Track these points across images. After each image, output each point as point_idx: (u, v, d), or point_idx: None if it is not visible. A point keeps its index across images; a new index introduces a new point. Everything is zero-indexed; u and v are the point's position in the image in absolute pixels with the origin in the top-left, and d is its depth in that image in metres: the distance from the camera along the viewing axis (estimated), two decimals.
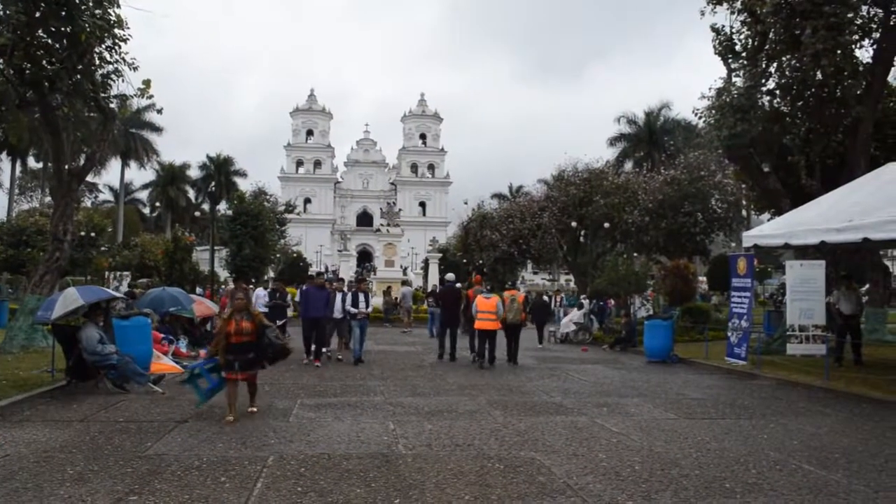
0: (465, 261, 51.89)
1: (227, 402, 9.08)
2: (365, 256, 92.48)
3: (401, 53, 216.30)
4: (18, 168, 60.49)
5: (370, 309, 16.98)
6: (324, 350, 16.04)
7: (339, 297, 15.96)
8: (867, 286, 22.60)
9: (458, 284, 19.28)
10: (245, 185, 63.91)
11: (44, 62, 14.63)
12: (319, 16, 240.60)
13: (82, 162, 18.17)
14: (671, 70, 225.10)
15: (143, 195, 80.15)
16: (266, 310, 16.73)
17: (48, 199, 53.86)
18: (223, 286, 32.88)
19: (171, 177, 73.35)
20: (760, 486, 6.19)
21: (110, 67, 15.66)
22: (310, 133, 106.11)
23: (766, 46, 17.86)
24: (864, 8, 17.08)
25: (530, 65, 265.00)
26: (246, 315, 9.18)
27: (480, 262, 47.51)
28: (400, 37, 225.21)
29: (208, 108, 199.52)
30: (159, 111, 22.53)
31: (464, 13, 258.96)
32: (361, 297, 16.01)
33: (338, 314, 15.91)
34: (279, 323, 16.08)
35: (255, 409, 9.40)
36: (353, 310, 15.73)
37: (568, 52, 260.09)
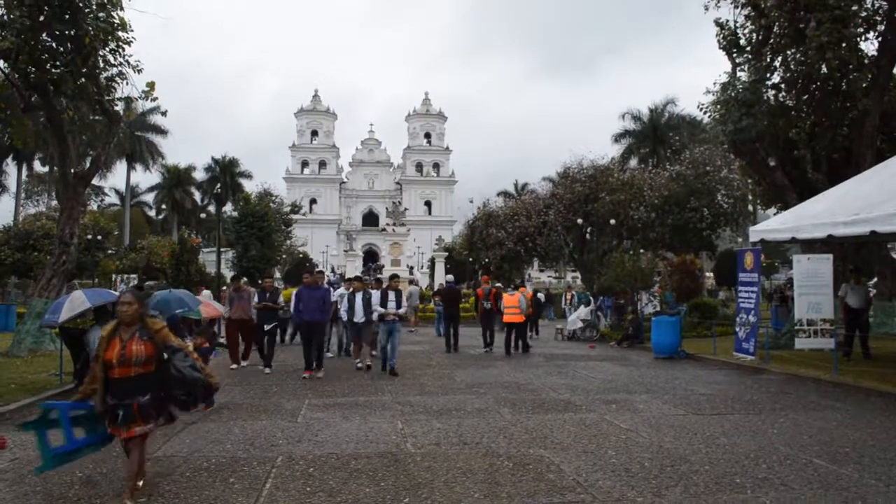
0: (471, 259, 51.84)
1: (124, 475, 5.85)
2: (371, 256, 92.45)
3: (412, 54, 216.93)
4: (24, 172, 60.70)
5: (403, 309, 14.81)
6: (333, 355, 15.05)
7: (359, 297, 14.50)
8: (875, 279, 22.53)
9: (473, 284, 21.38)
10: (251, 187, 64.01)
11: (48, 66, 14.67)
12: (331, 18, 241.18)
13: (88, 165, 18.23)
14: (685, 65, 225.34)
15: (149, 198, 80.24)
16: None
17: (54, 202, 54.07)
18: (226, 287, 32.91)
19: (177, 179, 73.48)
20: (771, 480, 6.16)
21: (114, 70, 15.73)
22: (314, 134, 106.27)
23: (771, 40, 17.83)
24: (869, 0, 17.01)
25: (542, 62, 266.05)
26: (140, 332, 5.51)
27: (486, 260, 47.46)
28: (413, 37, 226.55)
29: (221, 111, 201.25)
30: (164, 113, 22.61)
31: (476, 13, 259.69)
32: (392, 295, 14.17)
33: (359, 318, 14.44)
34: (268, 327, 14.23)
35: None
36: (380, 310, 13.97)
37: (580, 49, 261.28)
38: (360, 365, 14.39)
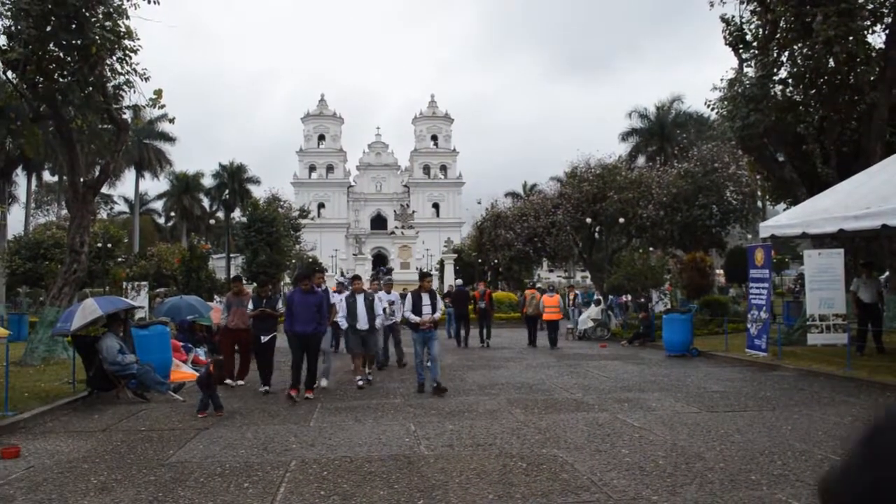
0: (479, 261, 51.82)
1: None
2: (380, 259, 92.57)
3: (424, 59, 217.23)
4: (34, 182, 60.98)
5: (439, 314, 12.26)
6: (320, 380, 12.12)
7: (360, 300, 12.21)
8: (886, 273, 22.41)
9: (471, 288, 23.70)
10: (259, 192, 64.11)
11: (56, 76, 14.74)
12: (345, 26, 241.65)
13: (97, 174, 18.30)
14: (700, 62, 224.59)
15: (158, 205, 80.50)
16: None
17: (64, 211, 54.28)
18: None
19: (186, 186, 73.67)
20: (787, 477, 6.13)
21: (122, 79, 15.76)
22: (321, 138, 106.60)
23: (777, 35, 17.74)
24: None
25: (556, 62, 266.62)
26: None
27: (496, 261, 47.42)
28: (426, 42, 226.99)
29: (237, 118, 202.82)
30: (171, 121, 22.72)
31: (490, 16, 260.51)
32: (426, 298, 11.92)
33: (362, 325, 12.12)
34: (265, 339, 12.24)
35: None
36: (413, 317, 11.80)
37: (595, 48, 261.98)
38: (360, 382, 12.16)
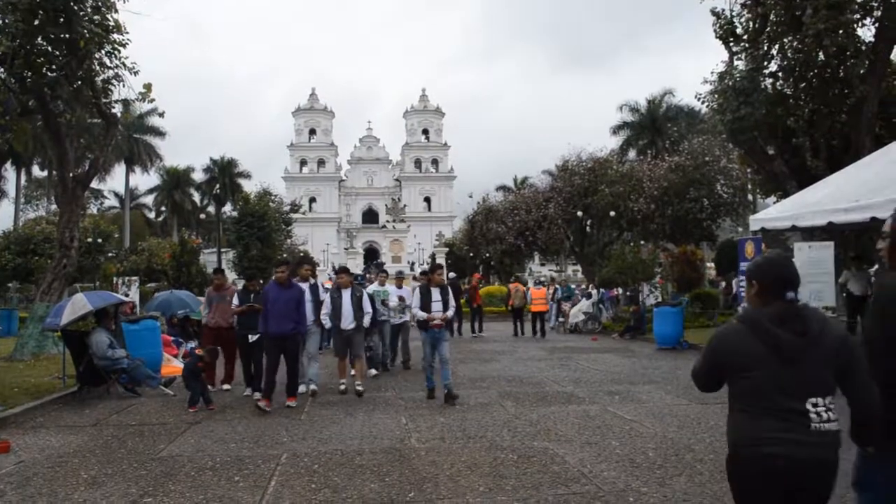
0: (471, 255, 51.82)
1: None
2: (372, 254, 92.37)
3: (424, 53, 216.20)
4: (23, 177, 60.69)
5: (451, 312, 10.71)
6: (309, 384, 10.65)
7: (346, 296, 10.84)
8: (876, 266, 22.53)
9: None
10: (250, 187, 63.89)
11: (44, 69, 14.65)
12: (341, 22, 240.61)
13: (86, 168, 18.22)
14: (694, 56, 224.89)
15: (149, 200, 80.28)
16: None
17: (54, 206, 54.05)
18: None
19: (176, 181, 73.47)
20: None
21: (110, 73, 15.67)
22: (312, 132, 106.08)
23: (768, 28, 17.77)
24: None
25: (552, 57, 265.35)
26: None
27: (487, 255, 47.45)
28: (423, 38, 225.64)
29: (234, 114, 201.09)
30: (161, 115, 22.62)
31: (488, 12, 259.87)
32: (436, 293, 10.42)
33: (347, 324, 10.76)
34: (253, 338, 10.53)
35: None
36: (420, 314, 10.30)
37: (592, 43, 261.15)
38: (342, 387, 10.96)
